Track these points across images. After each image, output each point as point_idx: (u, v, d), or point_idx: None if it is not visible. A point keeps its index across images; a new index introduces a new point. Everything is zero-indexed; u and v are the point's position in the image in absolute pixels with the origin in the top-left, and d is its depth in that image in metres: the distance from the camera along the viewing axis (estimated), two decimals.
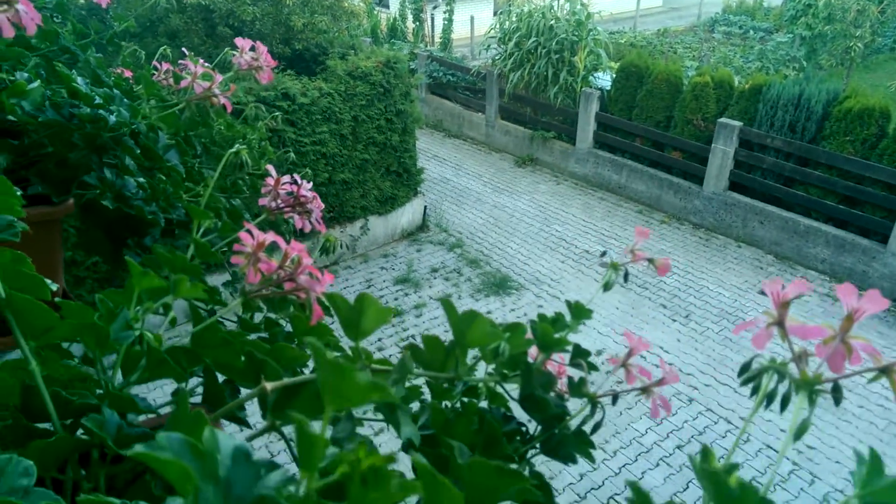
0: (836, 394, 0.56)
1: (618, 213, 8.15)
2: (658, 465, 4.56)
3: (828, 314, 6.16)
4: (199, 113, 1.06)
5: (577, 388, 0.78)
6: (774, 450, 4.64)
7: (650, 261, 0.86)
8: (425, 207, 7.71)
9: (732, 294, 6.48)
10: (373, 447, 0.67)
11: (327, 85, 6.30)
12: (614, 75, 8.52)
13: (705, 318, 6.09)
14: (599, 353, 5.57)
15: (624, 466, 4.55)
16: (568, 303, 0.81)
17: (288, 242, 0.67)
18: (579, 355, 0.80)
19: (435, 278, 6.66)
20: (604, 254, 0.92)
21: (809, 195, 6.80)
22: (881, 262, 6.35)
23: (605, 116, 8.48)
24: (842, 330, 0.55)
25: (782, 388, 0.57)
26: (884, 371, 0.56)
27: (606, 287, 0.86)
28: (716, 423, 4.94)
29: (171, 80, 1.25)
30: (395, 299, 6.29)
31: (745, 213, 7.32)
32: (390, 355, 5.49)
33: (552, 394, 0.77)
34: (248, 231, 0.67)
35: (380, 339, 5.69)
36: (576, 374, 0.81)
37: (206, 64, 1.44)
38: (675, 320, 6.06)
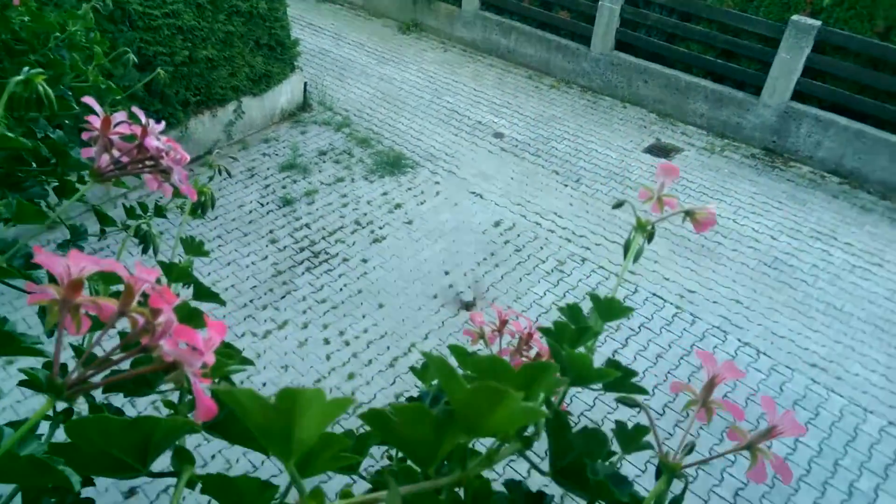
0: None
1: (508, 80, 7.95)
2: None
3: (705, 166, 6.51)
4: None
5: (631, 440, 0.56)
6: (660, 297, 5.00)
7: (688, 214, 0.69)
8: (305, 84, 7.12)
9: (619, 155, 6.65)
10: None
11: None
12: None
13: (595, 180, 6.25)
14: (497, 224, 5.62)
15: None
16: (594, 296, 0.61)
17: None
18: (625, 382, 0.54)
19: (324, 162, 6.31)
20: (620, 204, 0.75)
21: (691, 51, 6.90)
22: (754, 113, 6.69)
23: None
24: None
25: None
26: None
27: (637, 256, 0.69)
28: (607, 278, 5.21)
29: None
30: (283, 187, 5.93)
31: (630, 73, 7.35)
32: (285, 246, 5.25)
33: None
34: (62, 259, 0.40)
35: (271, 231, 5.40)
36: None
37: None
38: (566, 185, 6.18)
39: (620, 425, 0.58)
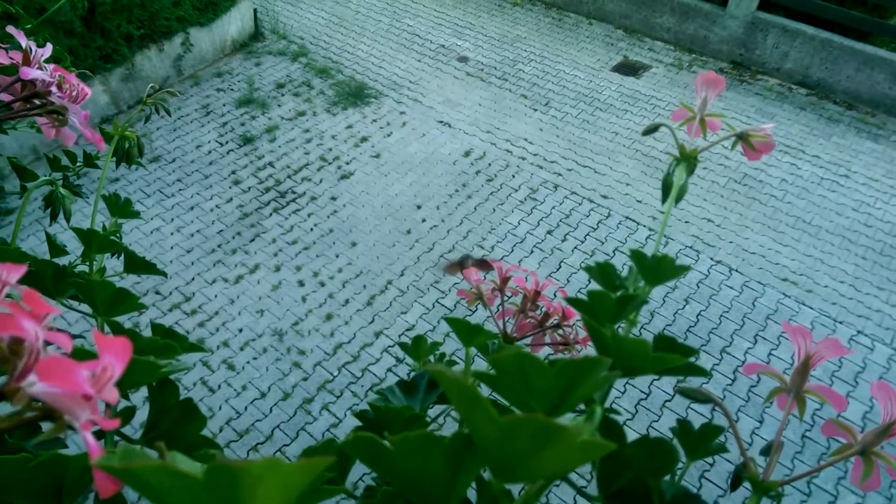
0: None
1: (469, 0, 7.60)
2: (532, 251, 4.78)
3: (674, 83, 6.39)
4: None
5: (699, 443, 0.44)
6: (633, 220, 5.00)
7: (740, 137, 0.59)
8: (255, 11, 6.69)
9: (587, 75, 6.48)
10: None
11: None
12: None
13: (564, 103, 6.11)
14: (467, 153, 5.49)
15: (502, 258, 4.72)
16: (636, 254, 0.47)
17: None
18: (682, 365, 0.39)
19: (283, 95, 6.01)
20: (654, 129, 0.63)
21: None
22: (720, 25, 6.53)
23: None
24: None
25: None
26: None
27: (680, 197, 0.59)
28: (580, 204, 5.17)
29: None
30: (242, 125, 5.66)
31: None
32: (249, 187, 5.07)
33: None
34: None
35: (234, 172, 5.19)
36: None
37: None
38: (535, 109, 6.03)
39: (684, 425, 0.47)
